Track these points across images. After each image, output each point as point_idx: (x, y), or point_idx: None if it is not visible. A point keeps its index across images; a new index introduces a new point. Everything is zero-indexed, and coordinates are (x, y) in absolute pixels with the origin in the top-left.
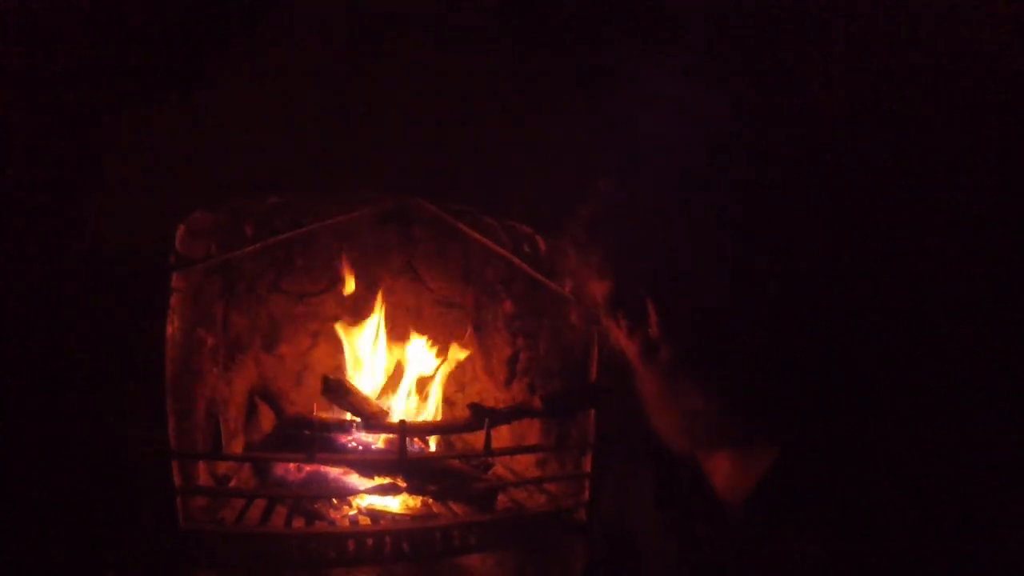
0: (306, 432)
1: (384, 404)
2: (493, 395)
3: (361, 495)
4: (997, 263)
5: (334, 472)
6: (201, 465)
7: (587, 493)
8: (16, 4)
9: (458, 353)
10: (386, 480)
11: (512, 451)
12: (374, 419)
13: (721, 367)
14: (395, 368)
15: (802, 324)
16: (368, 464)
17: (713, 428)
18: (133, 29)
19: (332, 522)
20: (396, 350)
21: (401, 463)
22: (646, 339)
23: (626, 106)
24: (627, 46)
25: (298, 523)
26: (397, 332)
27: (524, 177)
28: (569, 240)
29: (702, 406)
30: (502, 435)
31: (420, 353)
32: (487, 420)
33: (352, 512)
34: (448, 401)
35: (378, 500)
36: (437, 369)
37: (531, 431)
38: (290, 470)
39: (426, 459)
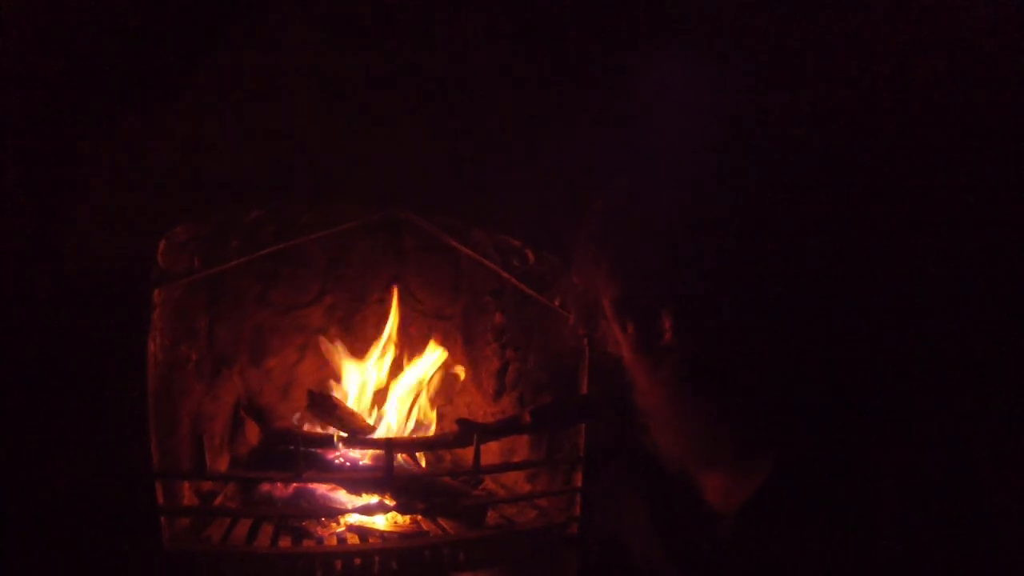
0: (291, 447)
1: (371, 419)
2: (482, 409)
3: (349, 513)
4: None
5: (322, 489)
6: (186, 483)
7: (578, 508)
8: None
9: (442, 357)
10: (374, 498)
11: (502, 468)
12: (360, 435)
13: (732, 380)
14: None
15: (808, 334)
16: (355, 481)
17: (718, 440)
18: (110, 37)
19: (320, 540)
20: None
21: (388, 480)
22: (655, 348)
23: (629, 114)
24: (632, 49)
25: (285, 542)
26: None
27: (515, 190)
28: (582, 236)
29: (709, 419)
30: (491, 449)
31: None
32: (476, 435)
33: (340, 530)
34: (437, 415)
35: (367, 518)
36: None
37: (521, 445)
38: (277, 487)
39: (414, 476)
